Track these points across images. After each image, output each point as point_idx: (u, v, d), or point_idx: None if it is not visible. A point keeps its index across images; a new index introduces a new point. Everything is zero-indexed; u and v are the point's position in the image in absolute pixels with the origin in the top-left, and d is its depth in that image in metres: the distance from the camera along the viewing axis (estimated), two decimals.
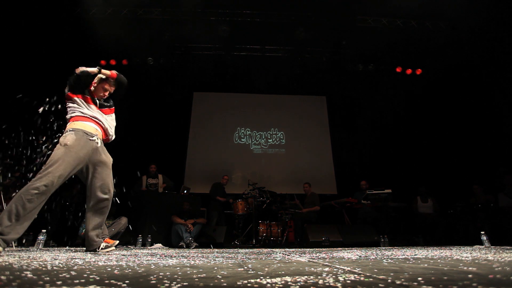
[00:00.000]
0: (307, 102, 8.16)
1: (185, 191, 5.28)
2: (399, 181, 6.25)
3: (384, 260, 1.46)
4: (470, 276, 0.82)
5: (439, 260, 1.41)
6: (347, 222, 5.33)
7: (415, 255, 1.88)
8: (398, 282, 0.72)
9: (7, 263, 1.21)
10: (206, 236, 4.53)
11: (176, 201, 4.89)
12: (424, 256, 1.72)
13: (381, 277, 0.82)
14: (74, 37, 6.32)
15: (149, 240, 4.05)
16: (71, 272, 0.91)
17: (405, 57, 7.03)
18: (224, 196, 5.84)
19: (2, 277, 0.78)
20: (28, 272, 0.88)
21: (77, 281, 0.73)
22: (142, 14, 6.53)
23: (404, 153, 7.10)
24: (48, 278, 0.76)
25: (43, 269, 0.99)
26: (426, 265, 1.18)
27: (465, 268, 1.04)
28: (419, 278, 0.77)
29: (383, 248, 3.45)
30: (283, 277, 0.82)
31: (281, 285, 0.70)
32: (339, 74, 7.47)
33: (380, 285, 0.69)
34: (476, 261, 1.34)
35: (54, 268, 1.02)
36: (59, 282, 0.70)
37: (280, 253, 2.43)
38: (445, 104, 7.06)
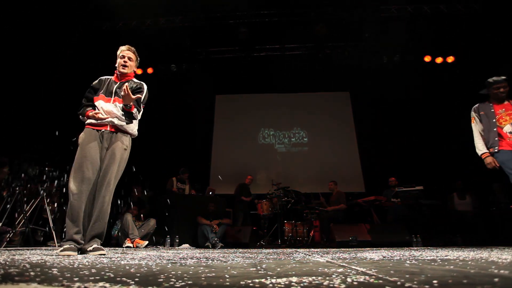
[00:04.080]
0: (330, 98, 7.97)
1: (210, 193, 5.40)
2: (432, 176, 5.86)
3: (408, 261, 1.38)
4: (496, 280, 0.75)
5: (470, 262, 1.31)
6: (376, 221, 5.11)
7: (446, 256, 1.75)
8: (407, 284, 0.68)
9: (42, 261, 1.33)
10: (231, 237, 4.60)
11: (202, 202, 5.02)
12: (455, 257, 1.60)
13: (393, 279, 0.78)
14: (103, 50, 6.75)
15: (177, 240, 4.21)
16: (92, 269, 0.97)
17: (434, 45, 6.59)
18: (249, 196, 5.89)
19: (31, 273, 0.86)
20: (55, 269, 0.96)
21: (92, 278, 0.78)
22: (164, 23, 6.81)
23: (436, 147, 6.63)
24: (69, 275, 0.82)
25: (70, 266, 1.07)
26: (452, 267, 1.10)
27: (495, 271, 0.95)
28: (434, 281, 0.72)
29: (415, 248, 3.26)
30: (290, 278, 0.82)
31: (283, 285, 0.69)
32: (363, 68, 7.19)
33: (387, 287, 0.65)
34: None
35: (80, 266, 1.10)
36: (76, 279, 0.76)
37: (302, 253, 2.40)
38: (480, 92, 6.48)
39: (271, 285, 0.71)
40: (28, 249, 2.69)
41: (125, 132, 2.19)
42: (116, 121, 2.14)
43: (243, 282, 0.74)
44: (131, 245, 3.67)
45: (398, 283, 0.71)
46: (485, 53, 6.35)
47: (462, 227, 4.65)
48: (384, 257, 1.74)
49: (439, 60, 6.68)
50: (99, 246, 1.95)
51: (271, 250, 3.16)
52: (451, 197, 5.08)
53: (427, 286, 0.66)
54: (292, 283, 0.72)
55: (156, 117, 7.53)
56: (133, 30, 6.73)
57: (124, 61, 2.26)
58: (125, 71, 2.26)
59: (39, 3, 5.35)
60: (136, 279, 0.77)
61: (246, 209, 5.84)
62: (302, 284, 0.71)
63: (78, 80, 6.45)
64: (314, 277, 0.82)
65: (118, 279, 0.77)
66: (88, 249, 1.91)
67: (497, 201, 4.82)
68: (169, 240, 4.13)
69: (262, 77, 7.72)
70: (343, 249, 3.47)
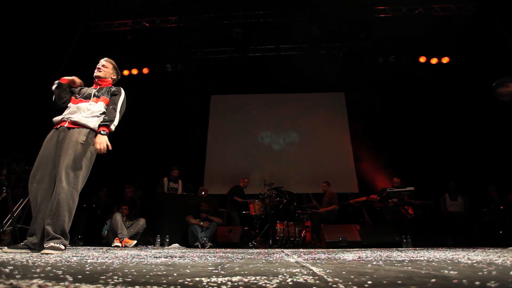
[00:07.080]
0: (325, 99, 7.97)
1: (203, 193, 5.41)
2: (425, 177, 5.86)
3: (374, 262, 1.38)
4: (432, 280, 0.76)
5: (434, 263, 1.31)
6: (367, 221, 5.11)
7: (420, 257, 1.76)
8: (335, 285, 0.69)
9: (9, 259, 1.34)
10: (222, 237, 4.61)
11: (194, 202, 5.03)
12: (426, 258, 1.60)
13: (332, 279, 0.79)
14: (100, 51, 6.78)
15: (167, 240, 4.22)
16: (47, 268, 0.98)
17: (429, 45, 6.58)
18: (242, 198, 5.89)
19: None
20: (9, 267, 0.97)
21: (36, 275, 0.79)
22: (159, 23, 6.84)
23: (430, 147, 6.62)
24: (16, 272, 0.84)
25: (30, 265, 1.08)
26: (410, 268, 1.10)
27: (446, 272, 0.96)
28: (368, 282, 0.72)
29: (401, 249, 3.26)
30: (233, 277, 0.82)
31: (215, 285, 0.70)
32: (358, 69, 7.19)
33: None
34: (475, 264, 1.22)
35: (40, 264, 1.11)
36: (18, 276, 0.77)
37: (285, 253, 2.40)
38: (476, 93, 6.46)
39: (205, 283, 0.72)
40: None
41: (84, 126, 2.12)
42: (75, 117, 2.13)
43: (181, 281, 0.75)
44: (119, 244, 3.68)
45: (330, 283, 0.72)
46: (480, 54, 6.33)
47: (454, 228, 4.65)
48: (359, 258, 1.74)
49: (434, 61, 6.67)
50: (55, 245, 1.84)
51: (256, 250, 3.17)
52: (443, 198, 5.07)
53: (355, 287, 0.67)
54: (227, 283, 0.73)
55: (151, 117, 7.56)
56: (129, 31, 6.76)
57: (98, 67, 2.43)
58: (99, 74, 2.39)
59: (34, 5, 5.39)
60: (79, 277, 0.78)
61: (238, 210, 5.85)
62: (236, 283, 0.72)
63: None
64: (258, 277, 0.83)
65: (61, 276, 0.78)
66: (42, 252, 1.81)
67: (491, 203, 4.81)
68: (159, 240, 4.14)
69: (257, 78, 7.74)
70: (330, 249, 3.47)
